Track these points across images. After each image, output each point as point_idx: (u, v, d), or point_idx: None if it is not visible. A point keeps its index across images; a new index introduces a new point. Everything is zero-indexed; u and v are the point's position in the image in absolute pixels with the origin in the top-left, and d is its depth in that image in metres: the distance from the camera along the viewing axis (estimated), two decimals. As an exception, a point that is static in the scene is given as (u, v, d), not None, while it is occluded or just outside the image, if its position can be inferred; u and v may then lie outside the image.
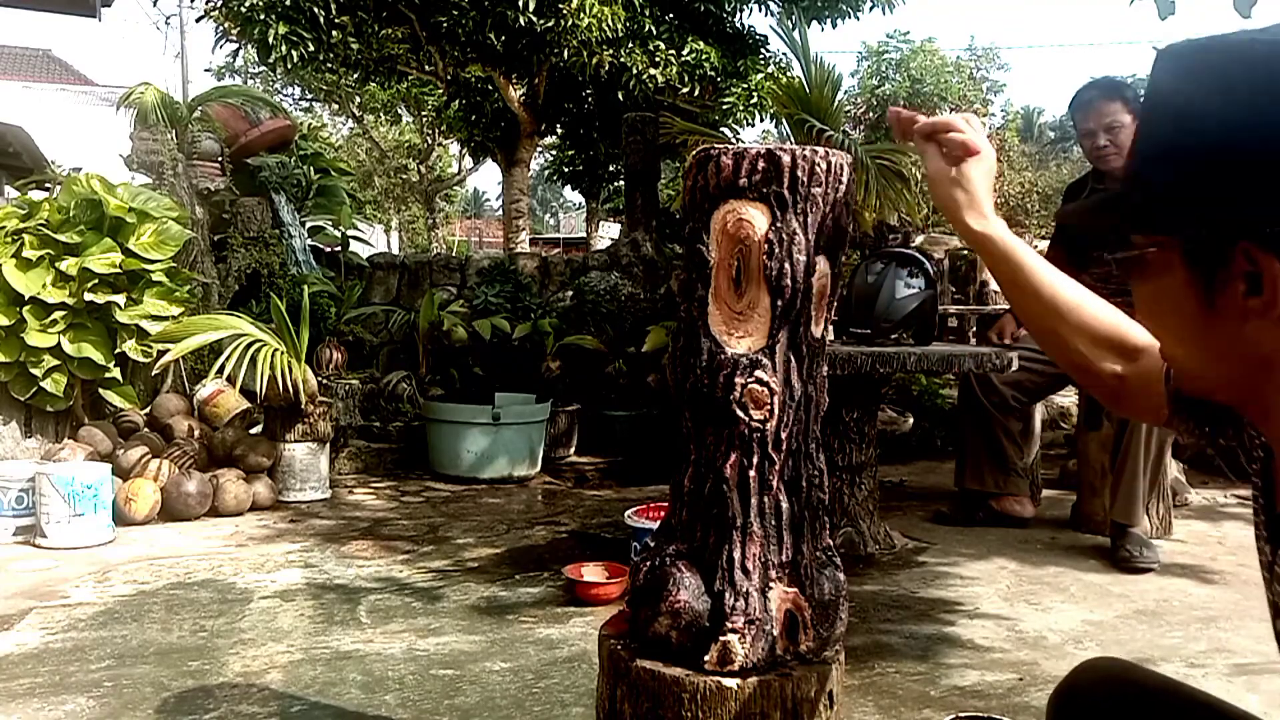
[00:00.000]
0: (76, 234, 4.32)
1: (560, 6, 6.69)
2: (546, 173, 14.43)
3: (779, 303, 1.29)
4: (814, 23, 7.88)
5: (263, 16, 6.70)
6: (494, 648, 2.52)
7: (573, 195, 25.40)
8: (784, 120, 5.24)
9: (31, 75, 20.24)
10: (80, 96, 17.49)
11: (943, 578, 3.18)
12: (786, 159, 1.27)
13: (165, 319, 4.44)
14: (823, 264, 1.32)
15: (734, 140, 6.83)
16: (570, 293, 6.02)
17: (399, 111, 17.07)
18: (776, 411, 1.32)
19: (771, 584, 1.33)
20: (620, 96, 7.48)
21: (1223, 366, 0.76)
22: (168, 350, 4.23)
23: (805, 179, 1.28)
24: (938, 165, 1.14)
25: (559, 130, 10.36)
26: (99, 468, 3.71)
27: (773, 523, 1.33)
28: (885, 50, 18.28)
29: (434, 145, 18.80)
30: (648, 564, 1.38)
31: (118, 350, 4.35)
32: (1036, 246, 6.79)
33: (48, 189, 5.68)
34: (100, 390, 4.43)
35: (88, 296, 4.22)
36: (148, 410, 4.53)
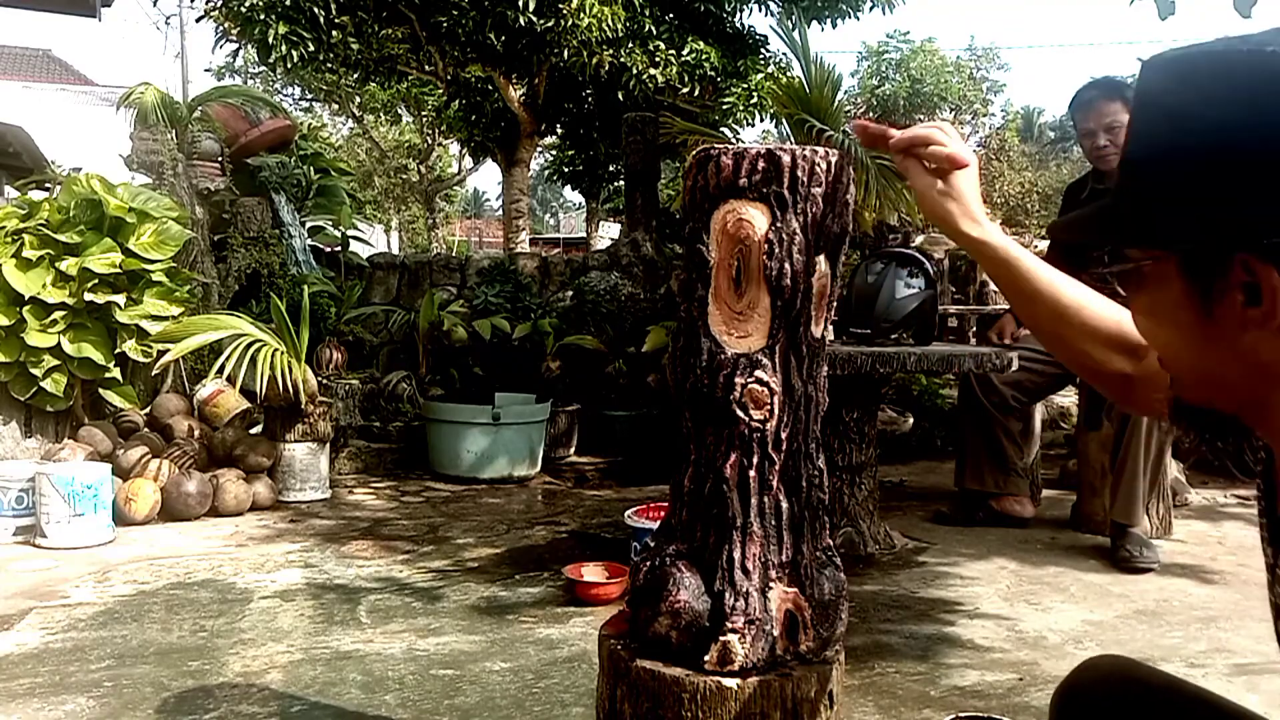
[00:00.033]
0: (76, 234, 4.32)
1: (560, 6, 6.68)
2: (546, 173, 14.43)
3: (779, 303, 1.29)
4: (814, 23, 7.88)
5: (263, 16, 6.70)
6: (494, 648, 2.52)
7: (573, 195, 25.40)
8: (784, 120, 5.24)
9: (31, 75, 20.24)
10: (80, 96, 17.50)
11: (943, 578, 3.18)
12: (786, 159, 1.27)
13: (165, 319, 4.44)
14: (823, 264, 1.32)
15: (734, 140, 6.83)
16: (570, 293, 6.02)
17: (399, 111, 17.07)
18: (776, 411, 1.32)
19: (771, 584, 1.33)
20: (620, 96, 7.48)
21: (1222, 376, 0.76)
22: (168, 350, 4.23)
23: (805, 179, 1.28)
24: (924, 180, 1.13)
25: (559, 130, 10.36)
26: (99, 468, 3.71)
27: (773, 523, 1.33)
28: (885, 50, 18.29)
29: (434, 145, 18.80)
30: (648, 564, 1.38)
31: (118, 350, 4.35)
32: (1036, 246, 6.80)
33: (48, 189, 5.68)
34: (100, 390, 4.43)
35: (88, 296, 4.23)
36: (148, 410, 4.53)
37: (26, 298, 4.15)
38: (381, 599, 2.93)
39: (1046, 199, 15.10)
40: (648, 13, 7.27)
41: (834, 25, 8.05)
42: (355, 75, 9.16)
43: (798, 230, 1.28)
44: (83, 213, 4.40)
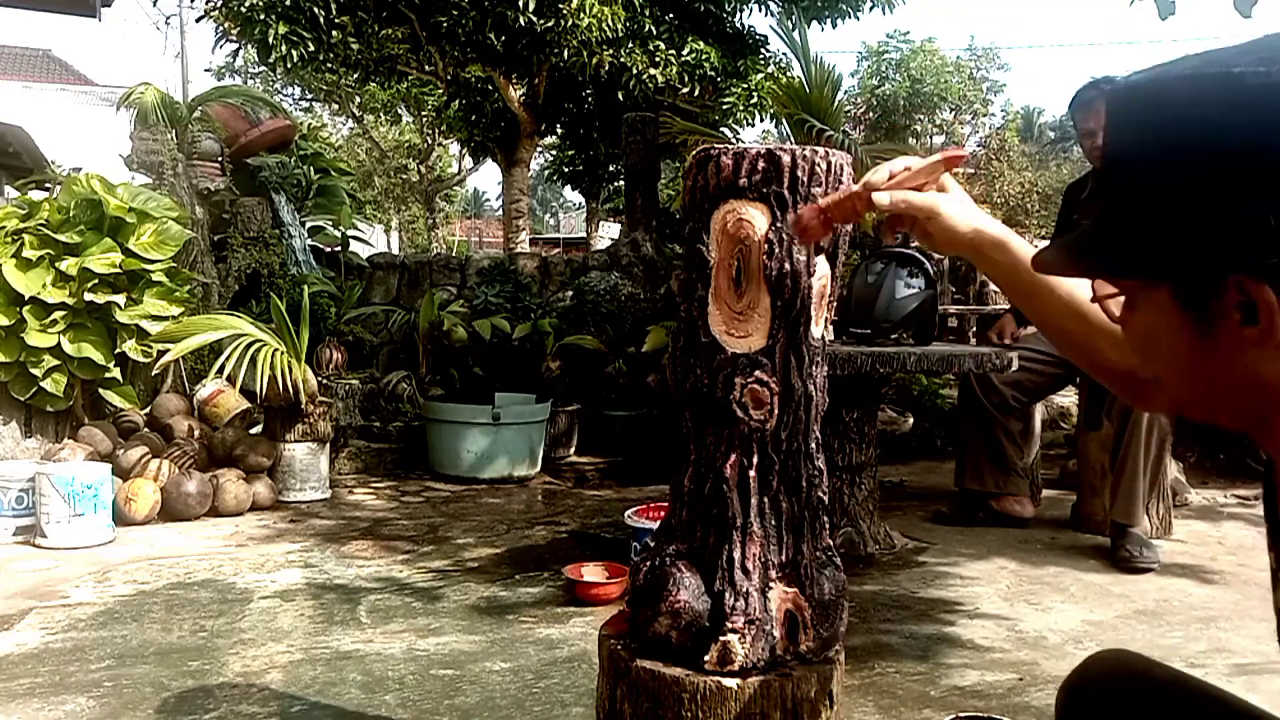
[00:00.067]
0: (76, 234, 4.32)
1: (560, 6, 6.69)
2: (546, 173, 14.44)
3: (779, 303, 1.29)
4: (814, 23, 7.89)
5: (263, 16, 6.70)
6: (494, 648, 2.52)
7: (573, 195, 25.40)
8: (784, 120, 5.25)
9: (31, 75, 20.24)
10: (80, 96, 17.49)
11: (943, 578, 3.18)
12: (786, 159, 1.27)
13: (165, 319, 4.44)
14: (823, 264, 1.33)
15: (734, 140, 6.84)
16: (570, 293, 6.02)
17: (399, 111, 17.07)
18: (776, 411, 1.32)
19: (771, 584, 1.33)
20: (620, 96, 7.48)
21: (1223, 395, 0.75)
22: (168, 350, 4.23)
23: (805, 179, 1.28)
24: (933, 230, 1.12)
25: (559, 130, 10.36)
26: (99, 468, 3.71)
27: (773, 523, 1.33)
28: (885, 50, 18.29)
29: (434, 145, 18.81)
30: (648, 564, 1.38)
31: (118, 350, 4.35)
32: (1037, 247, 6.81)
33: (48, 189, 5.68)
34: (100, 390, 4.43)
35: (88, 296, 4.23)
36: (148, 410, 4.53)
37: (26, 298, 4.15)
38: (381, 599, 2.93)
39: (1046, 199, 15.11)
40: (648, 13, 7.27)
41: (834, 25, 8.05)
42: (355, 75, 9.16)
43: (798, 230, 1.28)
44: (83, 213, 4.40)
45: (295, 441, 4.36)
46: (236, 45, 7.87)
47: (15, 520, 3.61)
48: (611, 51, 7.08)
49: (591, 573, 3.00)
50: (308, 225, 6.33)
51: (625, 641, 1.39)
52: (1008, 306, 4.66)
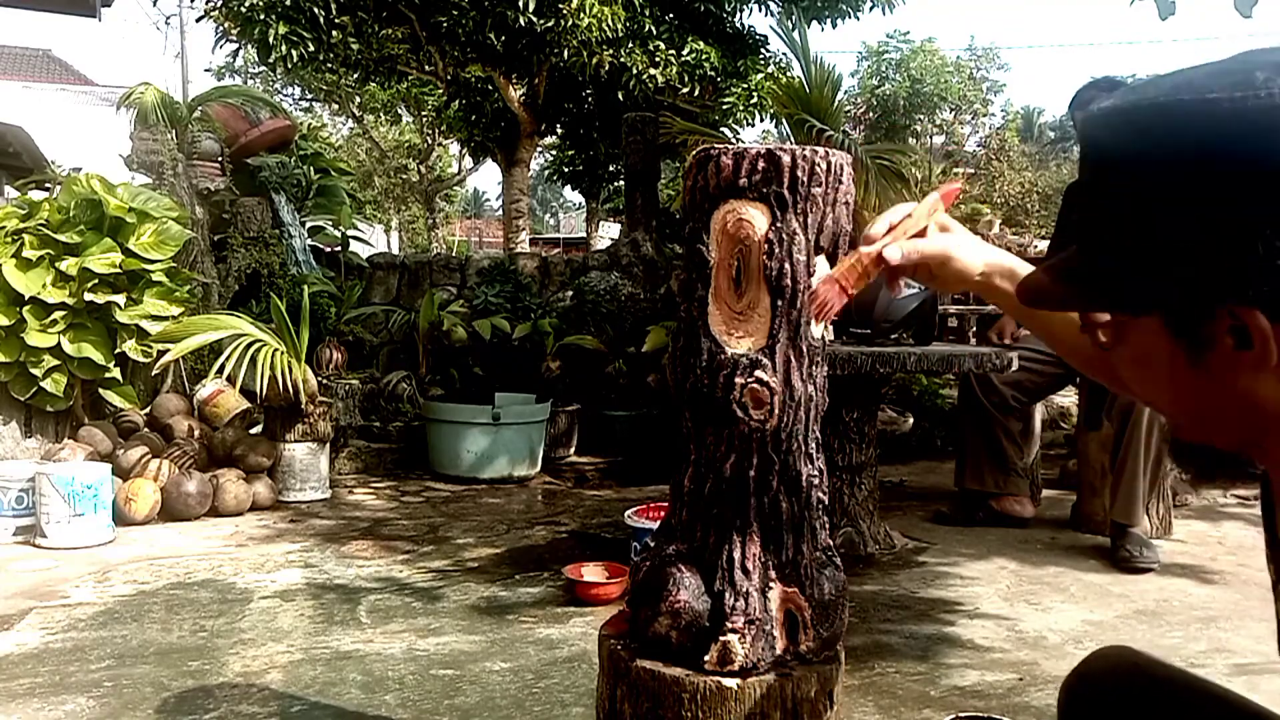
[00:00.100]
0: (76, 234, 4.32)
1: (560, 6, 6.69)
2: (546, 173, 14.43)
3: (779, 303, 1.29)
4: (814, 23, 7.89)
5: (263, 16, 6.70)
6: (494, 648, 2.52)
7: (573, 195, 25.40)
8: (784, 120, 5.25)
9: (31, 75, 20.24)
10: (80, 96, 17.49)
11: (943, 578, 3.18)
12: (786, 159, 1.27)
13: (165, 319, 4.44)
14: (823, 264, 1.33)
15: (734, 140, 6.84)
16: (570, 293, 6.02)
17: (399, 111, 17.07)
18: (776, 411, 1.32)
19: (771, 584, 1.33)
20: (620, 96, 7.48)
21: (1219, 418, 0.75)
22: (168, 350, 4.23)
23: (805, 179, 1.28)
24: (944, 274, 1.14)
25: (559, 130, 10.36)
26: (99, 468, 3.71)
27: (773, 523, 1.33)
28: (885, 50, 18.29)
29: (434, 145, 18.81)
30: (648, 564, 1.38)
31: (118, 350, 4.35)
32: (1037, 246, 6.79)
33: (48, 189, 5.68)
34: (100, 390, 4.43)
35: (88, 296, 4.23)
36: (148, 410, 4.53)
37: (26, 298, 4.15)
38: (381, 599, 2.93)
39: (1046, 199, 15.11)
40: (648, 13, 7.27)
41: (834, 25, 8.05)
42: (355, 75, 9.16)
43: (798, 230, 1.28)
44: (83, 213, 4.40)
45: (295, 441, 4.36)
46: (236, 45, 7.86)
47: (15, 520, 3.61)
48: (611, 51, 7.08)
49: (591, 573, 3.00)
50: (308, 225, 6.33)
51: (625, 641, 1.39)
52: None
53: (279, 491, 4.30)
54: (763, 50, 8.19)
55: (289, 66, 7.12)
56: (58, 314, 4.20)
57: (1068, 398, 5.50)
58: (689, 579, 1.33)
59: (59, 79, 20.31)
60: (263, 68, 12.71)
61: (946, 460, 5.01)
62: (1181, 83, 0.69)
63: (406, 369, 5.57)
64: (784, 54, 8.08)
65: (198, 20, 8.01)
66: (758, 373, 1.30)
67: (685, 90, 7.48)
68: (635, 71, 7.25)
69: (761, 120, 8.16)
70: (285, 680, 2.28)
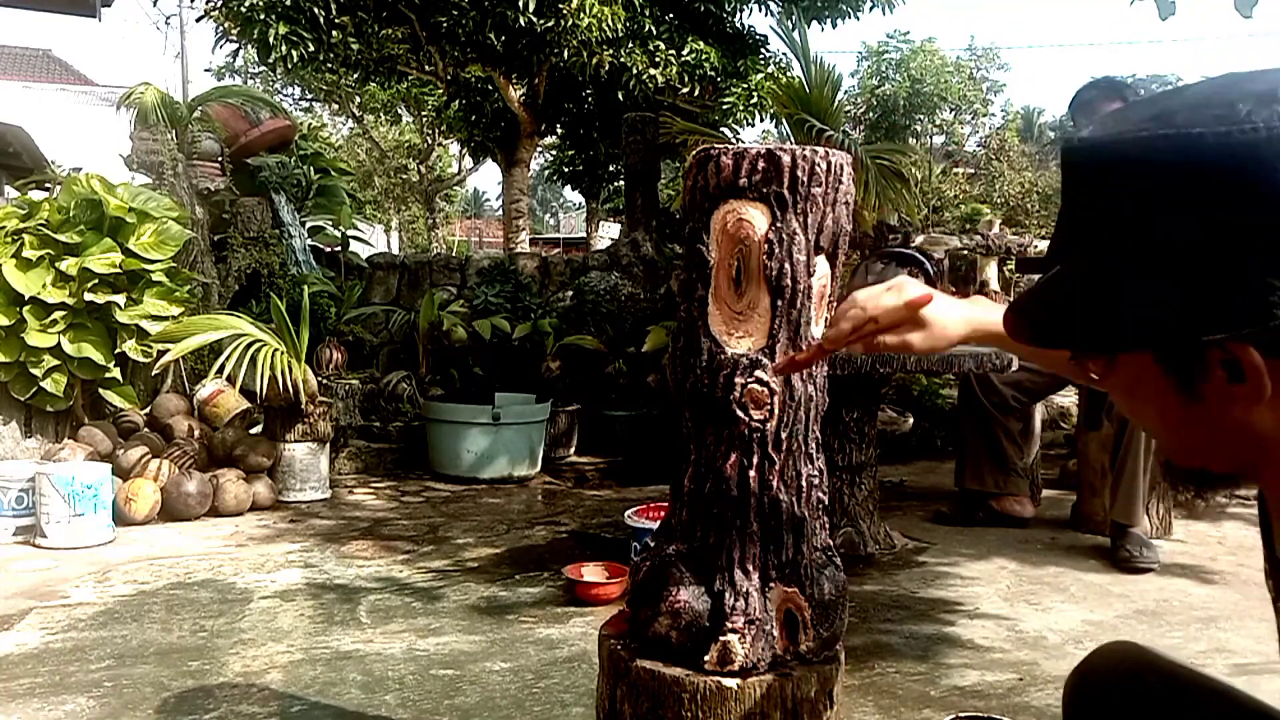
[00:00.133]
0: (76, 234, 4.32)
1: (560, 6, 6.69)
2: (546, 173, 14.43)
3: (779, 303, 1.29)
4: (814, 23, 7.89)
5: (263, 16, 6.70)
6: (494, 648, 2.52)
7: (573, 195, 25.40)
8: (784, 120, 5.25)
9: (31, 75, 20.23)
10: (80, 96, 17.49)
11: (943, 578, 3.18)
12: (786, 159, 1.27)
13: (165, 319, 4.44)
14: (823, 264, 1.33)
15: (734, 140, 6.84)
16: (570, 293, 6.02)
17: (399, 111, 17.06)
18: (776, 411, 1.32)
19: (771, 584, 1.33)
20: (620, 96, 7.48)
21: (1213, 448, 0.74)
22: (168, 350, 4.23)
23: (805, 179, 1.28)
24: (916, 347, 1.16)
25: (559, 130, 10.36)
26: (99, 468, 3.71)
27: (773, 523, 1.33)
28: (885, 50, 18.28)
29: (434, 145, 18.80)
30: (648, 564, 1.38)
31: (118, 350, 4.35)
32: (1037, 246, 6.80)
33: (48, 189, 5.68)
34: (100, 390, 4.43)
35: (88, 296, 4.22)
36: (148, 410, 4.53)
37: (26, 298, 4.15)
38: (381, 599, 2.93)
39: (1046, 199, 15.10)
40: (648, 13, 7.27)
41: (834, 25, 8.05)
42: (355, 75, 9.16)
43: (798, 230, 1.28)
44: (83, 213, 4.40)
45: (295, 441, 4.36)
46: (236, 45, 7.86)
47: (15, 520, 3.61)
48: (611, 51, 7.08)
49: (591, 573, 3.00)
50: (308, 225, 6.33)
51: (625, 641, 1.39)
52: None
53: (279, 491, 4.30)
54: (763, 50, 8.19)
55: (289, 66, 7.12)
56: (58, 314, 4.20)
57: (1068, 398, 5.50)
58: (689, 579, 1.33)
59: (59, 79, 20.30)
60: (263, 68, 12.71)
61: (946, 460, 5.01)
62: (1162, 114, 0.68)
63: (406, 369, 5.57)
64: (784, 54, 8.09)
65: (198, 20, 8.01)
66: (758, 373, 1.30)
67: (685, 90, 7.48)
68: (635, 71, 7.25)
69: (761, 120, 8.17)
70: (285, 680, 2.28)
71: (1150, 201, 0.67)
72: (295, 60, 6.95)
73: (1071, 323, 0.74)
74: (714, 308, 1.32)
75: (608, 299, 5.87)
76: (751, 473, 1.32)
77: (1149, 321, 0.68)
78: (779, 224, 1.28)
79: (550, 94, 8.92)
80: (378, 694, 2.21)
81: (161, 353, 4.28)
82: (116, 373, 4.41)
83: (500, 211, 19.60)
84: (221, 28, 7.39)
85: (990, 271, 6.62)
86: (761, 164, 1.27)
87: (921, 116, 18.25)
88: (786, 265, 1.28)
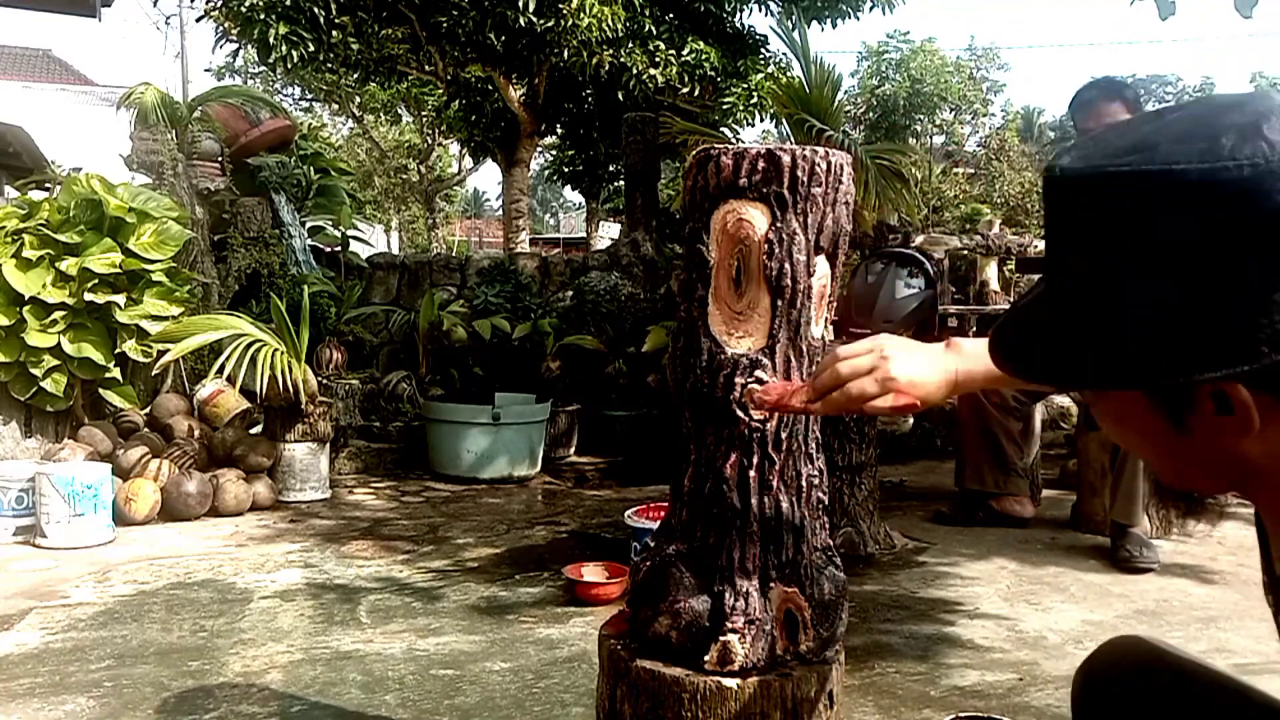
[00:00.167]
0: (76, 234, 4.32)
1: (560, 6, 6.69)
2: (546, 173, 14.43)
3: (779, 303, 1.29)
4: (814, 23, 7.89)
5: (263, 16, 6.70)
6: (494, 648, 2.52)
7: (573, 195, 25.40)
8: (784, 120, 5.25)
9: (31, 75, 20.23)
10: (80, 96, 17.48)
11: (943, 578, 3.18)
12: (786, 159, 1.27)
13: (165, 319, 4.44)
14: (823, 264, 1.33)
15: (734, 140, 6.84)
16: (570, 293, 6.02)
17: (399, 111, 17.07)
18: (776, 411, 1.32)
19: (771, 584, 1.33)
20: (620, 96, 7.48)
21: (1201, 472, 0.74)
22: (168, 350, 4.23)
23: (805, 179, 1.28)
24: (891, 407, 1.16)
25: (559, 130, 10.37)
26: (99, 468, 3.71)
27: (773, 523, 1.33)
28: (885, 50, 18.28)
29: (434, 145, 18.80)
30: (648, 564, 1.38)
31: (118, 350, 4.35)
32: (1037, 246, 6.80)
33: (48, 189, 5.68)
34: (100, 390, 4.43)
35: (88, 296, 4.23)
36: (148, 410, 4.53)
37: (26, 298, 4.15)
38: (381, 599, 2.93)
39: (1047, 199, 15.06)
40: (648, 13, 7.27)
41: (834, 25, 8.05)
42: (355, 75, 9.16)
43: (798, 230, 1.28)
44: (83, 213, 4.40)
45: (295, 441, 4.36)
46: (236, 45, 7.87)
47: (15, 520, 3.61)
48: (611, 51, 7.08)
49: (591, 573, 3.00)
50: (308, 225, 6.33)
51: (625, 641, 1.39)
52: (1008, 306, 4.66)
53: (279, 491, 4.30)
54: (763, 50, 8.19)
55: (289, 66, 7.13)
56: (58, 314, 4.20)
57: (1068, 398, 5.50)
58: (689, 579, 1.33)
59: (59, 79, 20.30)
60: (263, 68, 12.71)
61: (946, 460, 5.01)
62: (1143, 145, 0.66)
63: (406, 369, 5.57)
64: (784, 54, 8.09)
65: (198, 20, 8.02)
66: (758, 373, 1.30)
67: (685, 90, 7.48)
68: (635, 71, 7.25)
69: (761, 120, 8.17)
70: (285, 680, 2.28)
71: (1132, 240, 0.66)
72: (295, 60, 6.95)
73: (1058, 362, 0.73)
74: (714, 308, 1.32)
75: (608, 299, 5.87)
76: (751, 473, 1.32)
77: (1136, 362, 0.67)
78: (779, 224, 1.28)
79: (550, 94, 8.92)
80: (378, 694, 2.21)
81: (161, 353, 4.28)
82: (116, 373, 4.41)
83: (500, 211, 19.60)
84: (221, 28, 7.40)
85: (990, 271, 6.62)
86: (761, 164, 1.27)
87: (921, 116, 18.25)
88: (786, 265, 1.28)
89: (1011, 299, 6.39)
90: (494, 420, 4.83)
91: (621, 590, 2.85)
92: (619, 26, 6.92)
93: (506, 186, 10.89)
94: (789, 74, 7.58)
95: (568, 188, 13.61)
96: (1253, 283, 0.62)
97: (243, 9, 6.72)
